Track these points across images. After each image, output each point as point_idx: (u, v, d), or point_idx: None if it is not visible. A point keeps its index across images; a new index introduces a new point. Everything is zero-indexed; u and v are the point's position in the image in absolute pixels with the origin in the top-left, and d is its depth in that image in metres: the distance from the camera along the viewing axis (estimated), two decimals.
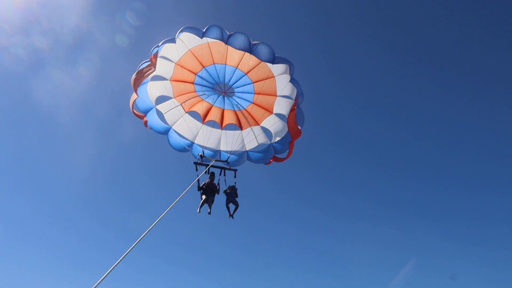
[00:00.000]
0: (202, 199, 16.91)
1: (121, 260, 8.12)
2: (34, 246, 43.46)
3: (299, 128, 16.77)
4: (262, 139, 17.74)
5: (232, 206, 17.64)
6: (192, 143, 17.67)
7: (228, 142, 17.77)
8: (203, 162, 17.54)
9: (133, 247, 8.54)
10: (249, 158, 17.92)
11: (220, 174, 17.72)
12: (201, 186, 17.24)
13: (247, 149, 17.89)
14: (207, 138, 17.91)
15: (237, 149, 17.80)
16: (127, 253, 8.46)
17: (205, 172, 17.27)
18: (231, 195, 17.59)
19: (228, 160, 17.71)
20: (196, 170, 17.22)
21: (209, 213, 16.91)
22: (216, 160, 17.76)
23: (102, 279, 7.61)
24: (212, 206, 16.97)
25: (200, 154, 17.58)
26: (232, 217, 17.57)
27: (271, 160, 17.76)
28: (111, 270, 7.91)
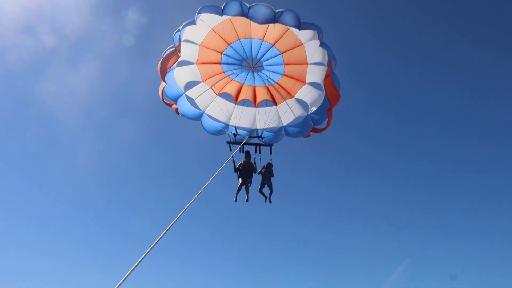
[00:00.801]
0: (239, 183, 16.39)
1: (145, 256, 7.66)
2: (35, 245, 44.00)
3: (339, 92, 15.86)
4: (298, 111, 16.99)
5: (266, 191, 17.11)
6: (227, 125, 17.17)
7: (264, 119, 17.10)
8: (236, 141, 17.00)
9: (155, 243, 8.05)
10: (287, 133, 17.24)
11: (255, 152, 17.20)
12: (237, 166, 16.62)
13: (284, 124, 17.20)
14: (242, 118, 17.34)
15: (273, 126, 17.13)
16: (153, 246, 7.98)
17: (240, 151, 16.71)
18: (266, 175, 16.98)
19: (265, 138, 17.08)
20: (230, 150, 16.73)
21: (247, 200, 16.49)
22: (249, 137, 17.18)
23: (130, 272, 7.15)
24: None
25: (233, 132, 16.98)
26: (270, 201, 17.06)
27: (311, 132, 16.99)
28: (139, 263, 7.40)
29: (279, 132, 17.13)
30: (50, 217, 45.53)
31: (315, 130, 16.94)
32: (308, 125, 16.83)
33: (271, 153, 17.12)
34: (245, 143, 16.86)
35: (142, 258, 7.28)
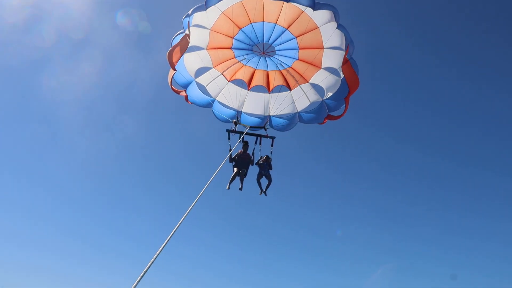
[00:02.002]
0: (233, 172, 15.85)
1: (157, 255, 7.36)
2: (36, 242, 44.04)
3: (358, 78, 15.12)
4: (313, 96, 16.34)
5: (264, 182, 16.53)
6: (239, 111, 16.61)
7: (278, 105, 16.50)
8: (237, 131, 16.48)
9: (166, 241, 7.74)
10: (301, 120, 16.63)
11: (255, 143, 16.66)
12: (233, 157, 16.07)
13: (298, 110, 16.58)
14: (255, 104, 16.78)
15: (288, 112, 16.53)
16: (164, 245, 7.65)
17: (240, 141, 16.12)
18: (264, 167, 16.40)
19: (279, 125, 16.51)
20: (229, 139, 16.19)
21: (241, 188, 15.94)
22: (251, 127, 16.67)
23: (144, 273, 6.85)
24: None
25: (234, 121, 16.44)
26: (265, 194, 16.47)
27: (325, 119, 16.38)
28: (152, 263, 7.10)
29: (293, 118, 16.54)
30: (50, 213, 45.40)
31: (330, 117, 16.32)
32: (323, 111, 16.20)
33: (272, 145, 16.59)
34: (247, 133, 16.37)
35: (154, 259, 7.07)
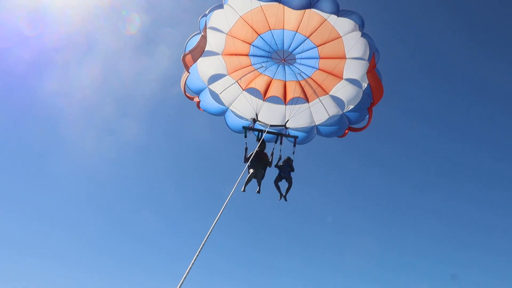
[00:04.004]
0: (249, 173, 14.47)
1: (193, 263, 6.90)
2: (39, 246, 43.02)
3: (382, 87, 14.24)
4: (333, 110, 15.45)
5: (284, 185, 15.07)
6: (253, 122, 15.70)
7: (294, 118, 15.60)
8: (255, 128, 15.39)
9: (200, 249, 7.28)
10: (319, 133, 15.72)
11: (275, 142, 15.44)
12: (248, 156, 14.67)
13: (316, 124, 15.69)
14: (270, 116, 15.88)
15: (305, 125, 15.64)
16: (198, 254, 7.21)
17: (257, 140, 15.03)
18: (284, 169, 14.98)
19: (296, 139, 15.57)
20: (245, 136, 15.07)
21: (258, 191, 14.33)
22: (271, 126, 15.58)
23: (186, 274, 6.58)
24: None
25: (252, 118, 15.39)
26: (285, 199, 14.96)
27: (346, 131, 15.42)
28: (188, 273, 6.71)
29: (311, 131, 15.63)
30: (53, 217, 44.57)
31: (352, 129, 15.33)
32: (343, 124, 15.28)
33: (294, 145, 15.31)
34: (267, 132, 15.22)
35: (193, 262, 6.81)
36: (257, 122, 15.47)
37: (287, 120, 15.48)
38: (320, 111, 15.58)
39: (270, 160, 15.01)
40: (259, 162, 14.73)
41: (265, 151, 15.21)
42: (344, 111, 15.32)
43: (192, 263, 6.79)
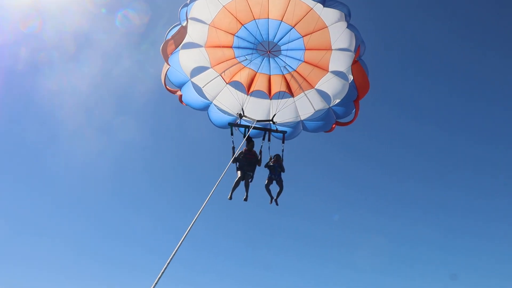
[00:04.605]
0: (237, 176, 13.69)
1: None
2: (35, 247, 42.14)
3: (368, 80, 13.84)
4: (319, 104, 15.00)
5: (275, 188, 14.43)
6: (237, 118, 15.16)
7: (280, 113, 15.09)
8: (241, 124, 14.79)
9: (177, 248, 6.77)
10: (305, 128, 15.23)
11: (263, 139, 14.86)
12: (236, 156, 13.75)
13: (302, 119, 15.20)
14: (254, 111, 15.34)
15: (290, 120, 15.15)
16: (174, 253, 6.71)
17: (244, 138, 14.34)
18: (275, 170, 14.28)
19: (285, 134, 15.02)
20: (232, 134, 14.39)
21: (246, 199, 13.59)
22: (259, 121, 15.01)
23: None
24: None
25: (239, 113, 14.77)
26: (276, 203, 14.29)
27: (334, 125, 14.97)
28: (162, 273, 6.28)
29: (297, 127, 15.13)
30: (50, 218, 43.56)
31: (339, 124, 14.92)
32: (330, 119, 14.83)
33: (283, 142, 14.76)
34: (253, 128, 14.69)
35: (166, 266, 6.34)
36: (243, 117, 14.90)
37: (274, 115, 14.95)
38: (305, 106, 15.11)
39: (259, 159, 14.33)
40: (248, 164, 14.03)
41: (254, 149, 14.57)
42: (331, 105, 14.88)
43: (170, 260, 6.43)
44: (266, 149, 14.62)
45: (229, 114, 15.17)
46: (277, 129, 14.87)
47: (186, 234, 6.99)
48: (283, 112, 15.11)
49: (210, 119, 15.09)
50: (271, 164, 14.49)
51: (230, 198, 13.40)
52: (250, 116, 14.99)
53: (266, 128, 14.89)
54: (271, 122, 14.88)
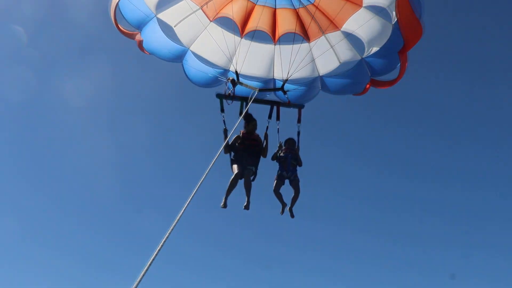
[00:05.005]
0: (233, 173, 9.36)
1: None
2: (37, 247, 40.32)
3: (420, 22, 9.04)
4: (346, 54, 10.20)
5: (286, 191, 9.86)
6: (226, 70, 10.49)
7: (287, 64, 10.13)
8: (236, 95, 10.09)
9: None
10: (325, 88, 10.56)
11: (269, 117, 10.22)
12: (231, 142, 9.65)
13: (321, 74, 10.51)
14: (251, 60, 10.48)
15: (304, 75, 10.39)
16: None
17: (240, 115, 9.87)
18: (287, 163, 9.73)
19: (290, 95, 10.35)
20: (222, 110, 9.87)
21: (247, 206, 9.16)
22: (261, 90, 10.21)
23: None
24: None
25: (231, 78, 10.01)
26: (291, 214, 9.69)
27: (368, 85, 10.27)
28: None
29: (313, 85, 10.48)
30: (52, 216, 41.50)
31: (376, 84, 10.23)
32: (362, 76, 10.10)
33: (299, 120, 10.22)
34: (254, 101, 9.94)
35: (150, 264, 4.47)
36: (239, 81, 10.08)
37: (286, 79, 10.11)
38: (327, 55, 10.27)
39: (264, 147, 9.77)
40: (248, 155, 9.53)
41: (256, 133, 9.97)
42: (364, 55, 10.09)
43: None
44: (275, 132, 9.89)
45: (214, 66, 10.48)
46: (289, 102, 10.13)
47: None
48: (295, 63, 10.21)
49: (185, 73, 10.40)
50: (282, 154, 9.90)
51: (224, 205, 9.04)
52: (245, 72, 10.26)
53: (273, 101, 10.19)
54: (281, 90, 10.12)
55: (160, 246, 4.40)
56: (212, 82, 10.47)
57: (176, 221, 4.79)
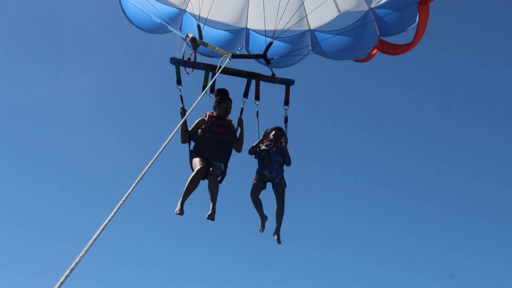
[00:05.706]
0: (193, 170, 6.53)
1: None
2: (33, 246, 39.19)
3: None
4: (347, 2, 7.56)
5: (266, 195, 7.04)
6: (182, 11, 7.61)
7: (268, 10, 7.43)
8: (196, 62, 7.06)
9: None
10: (317, 49, 7.77)
11: (245, 96, 7.23)
12: (191, 129, 6.80)
13: (311, 27, 7.79)
14: (219, 9, 7.63)
15: (289, 27, 7.59)
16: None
17: (209, 90, 6.92)
18: (271, 160, 6.94)
19: (270, 52, 7.51)
20: (179, 83, 6.85)
21: (211, 216, 6.26)
22: (235, 56, 7.08)
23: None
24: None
25: (190, 36, 6.96)
26: (277, 238, 6.76)
27: (375, 49, 7.59)
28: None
29: (301, 41, 7.76)
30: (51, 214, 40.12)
31: (386, 47, 7.53)
32: (368, 34, 7.39)
33: (287, 102, 7.28)
34: (223, 71, 6.82)
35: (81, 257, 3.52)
36: (202, 41, 7.00)
37: (270, 43, 7.19)
38: (321, 3, 7.57)
39: (238, 136, 6.89)
40: (215, 146, 6.72)
41: (228, 117, 6.99)
42: (372, 5, 7.40)
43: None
44: (253, 116, 7.04)
45: (167, 4, 7.56)
46: (273, 74, 7.24)
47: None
48: (276, 10, 7.41)
49: (124, 11, 7.41)
50: (264, 147, 7.10)
51: (180, 212, 6.28)
52: (211, 17, 7.38)
53: (251, 73, 7.23)
54: (262, 57, 7.20)
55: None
56: (160, 27, 7.50)
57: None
